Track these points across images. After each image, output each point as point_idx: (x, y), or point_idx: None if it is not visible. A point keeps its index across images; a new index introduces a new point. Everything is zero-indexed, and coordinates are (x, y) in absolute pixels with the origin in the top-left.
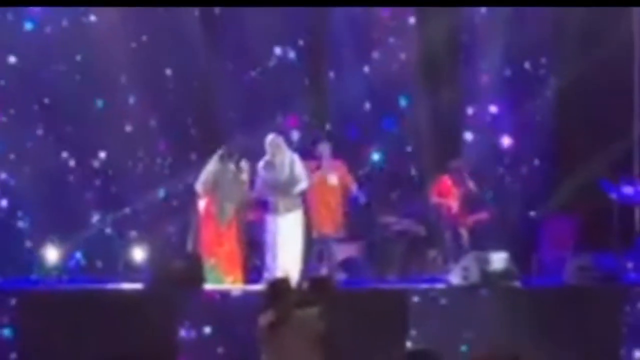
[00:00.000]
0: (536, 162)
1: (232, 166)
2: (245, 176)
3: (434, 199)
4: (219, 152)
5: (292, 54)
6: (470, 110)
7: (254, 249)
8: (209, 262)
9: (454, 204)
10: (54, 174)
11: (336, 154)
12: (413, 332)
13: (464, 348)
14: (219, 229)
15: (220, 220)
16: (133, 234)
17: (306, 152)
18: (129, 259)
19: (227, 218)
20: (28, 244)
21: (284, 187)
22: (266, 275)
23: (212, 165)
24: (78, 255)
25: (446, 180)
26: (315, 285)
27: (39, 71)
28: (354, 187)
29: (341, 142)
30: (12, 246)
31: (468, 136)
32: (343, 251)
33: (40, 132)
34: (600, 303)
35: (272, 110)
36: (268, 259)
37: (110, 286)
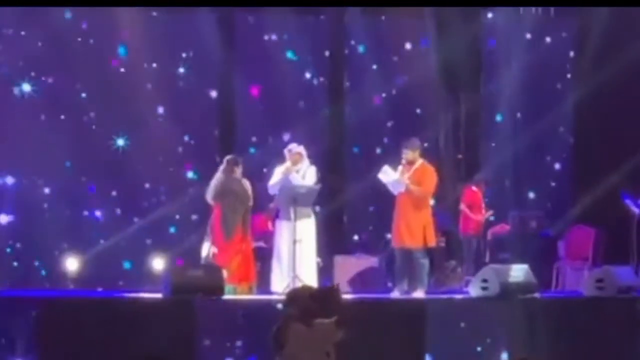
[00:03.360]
0: (555, 173)
1: (237, 176)
2: (248, 184)
3: (464, 209)
4: (225, 161)
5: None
6: (487, 122)
7: (264, 257)
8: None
9: (482, 216)
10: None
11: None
12: (431, 344)
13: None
14: (226, 241)
15: (225, 233)
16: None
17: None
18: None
19: (231, 230)
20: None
21: (301, 196)
22: (278, 282)
23: (218, 175)
24: None
25: (476, 192)
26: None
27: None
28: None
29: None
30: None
31: (486, 147)
32: (362, 263)
33: None
34: (618, 315)
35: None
36: (283, 266)
37: (129, 295)
